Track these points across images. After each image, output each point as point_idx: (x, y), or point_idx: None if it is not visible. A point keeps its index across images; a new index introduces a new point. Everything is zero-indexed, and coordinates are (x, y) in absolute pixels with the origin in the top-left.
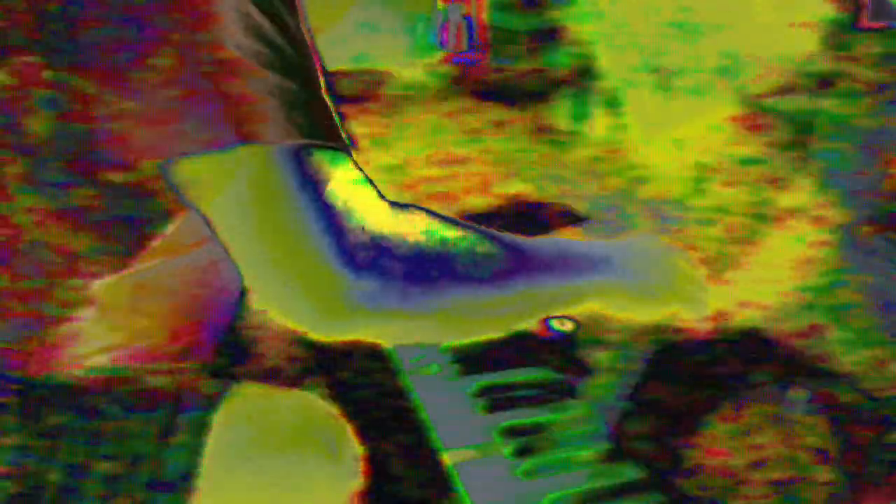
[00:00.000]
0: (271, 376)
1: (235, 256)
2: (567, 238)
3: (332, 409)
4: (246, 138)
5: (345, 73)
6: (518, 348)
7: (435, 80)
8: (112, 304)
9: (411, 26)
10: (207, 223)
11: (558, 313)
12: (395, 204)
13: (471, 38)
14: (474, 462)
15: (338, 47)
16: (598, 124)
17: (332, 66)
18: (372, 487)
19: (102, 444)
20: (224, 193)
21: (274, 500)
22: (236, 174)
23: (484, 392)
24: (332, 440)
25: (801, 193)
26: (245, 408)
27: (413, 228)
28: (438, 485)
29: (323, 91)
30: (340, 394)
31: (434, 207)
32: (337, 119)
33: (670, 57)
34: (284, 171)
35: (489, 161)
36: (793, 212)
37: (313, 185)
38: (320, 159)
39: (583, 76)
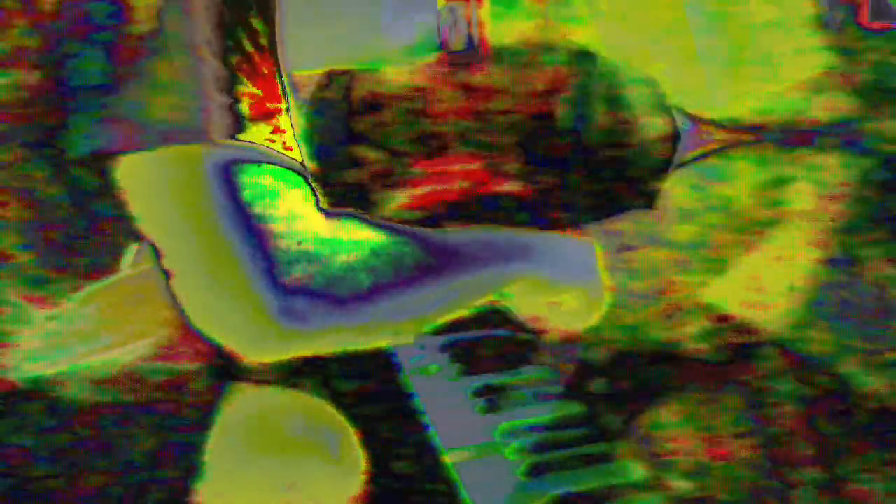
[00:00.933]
0: (271, 377)
1: (166, 267)
2: (496, 229)
3: (332, 410)
4: (196, 135)
5: (344, 74)
6: (518, 348)
7: (434, 79)
8: (113, 302)
9: (411, 27)
10: (139, 229)
11: (484, 301)
12: (329, 213)
13: (471, 38)
14: (474, 462)
15: (337, 48)
16: (598, 123)
17: (331, 67)
18: (372, 487)
19: (101, 443)
20: (159, 199)
21: (274, 501)
22: (174, 176)
23: (484, 392)
24: (333, 440)
25: (802, 195)
26: (245, 409)
27: (345, 238)
28: (438, 485)
29: (282, 101)
30: (340, 394)
31: (431, 206)
32: (293, 130)
33: (668, 61)
34: (222, 183)
35: (488, 160)
36: (793, 213)
37: (249, 201)
38: (260, 168)
39: (583, 75)
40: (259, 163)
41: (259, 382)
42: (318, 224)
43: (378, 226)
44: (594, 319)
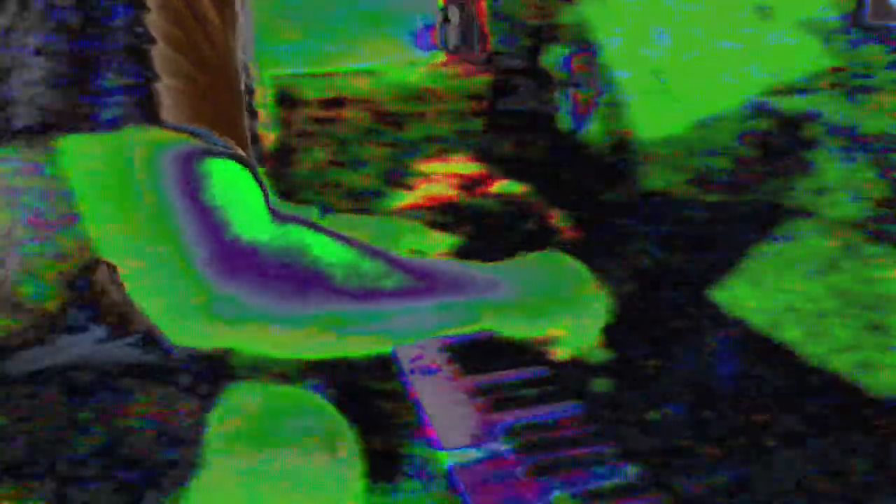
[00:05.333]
0: (270, 374)
1: (101, 240)
2: (455, 261)
3: (332, 408)
4: (146, 118)
5: (344, 74)
6: (518, 348)
7: (434, 79)
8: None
9: (412, 26)
10: (77, 203)
11: (448, 333)
12: (281, 216)
13: (471, 37)
14: (474, 462)
15: (337, 47)
16: (597, 122)
17: (331, 67)
18: (371, 486)
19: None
20: (104, 176)
21: (273, 500)
22: (122, 158)
23: (484, 392)
24: (332, 439)
25: (800, 194)
26: (244, 406)
27: (293, 241)
28: (438, 484)
29: (239, 101)
30: (340, 392)
31: (431, 206)
32: (247, 129)
33: (667, 61)
34: (171, 165)
35: (487, 161)
36: (792, 212)
37: (196, 186)
38: (211, 161)
39: (582, 75)
40: (210, 151)
41: (258, 379)
42: (266, 222)
43: (333, 235)
44: (590, 341)
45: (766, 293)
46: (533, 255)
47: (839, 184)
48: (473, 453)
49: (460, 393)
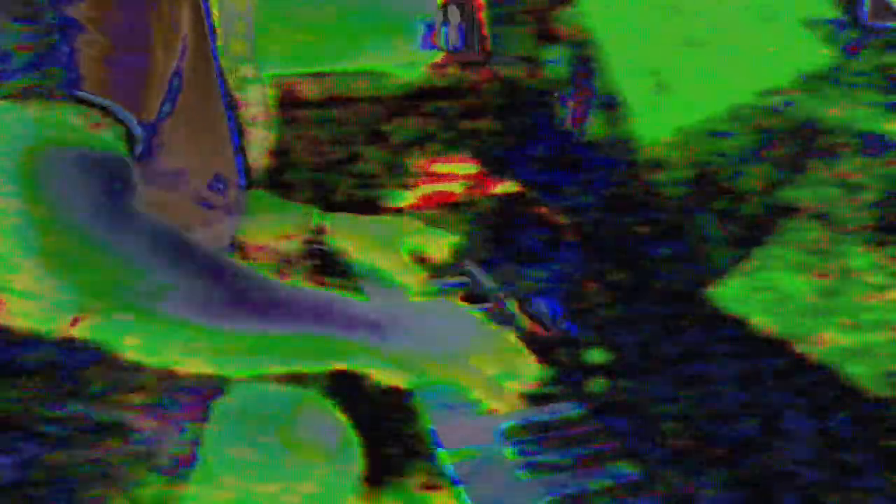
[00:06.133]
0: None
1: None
2: (342, 296)
3: (332, 408)
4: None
5: (344, 74)
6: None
7: (434, 79)
8: None
9: (411, 26)
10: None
11: (315, 368)
12: (137, 216)
13: (470, 38)
14: (474, 462)
15: (337, 47)
16: (597, 123)
17: (331, 67)
18: (370, 486)
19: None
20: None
21: (272, 499)
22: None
23: None
24: (332, 439)
25: (801, 192)
26: (243, 405)
27: (147, 239)
28: (438, 484)
29: (153, 69)
30: (340, 393)
31: (431, 206)
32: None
33: (667, 61)
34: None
35: (487, 161)
36: (792, 212)
37: (119, 193)
38: (51, 149)
39: (581, 75)
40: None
41: (258, 380)
42: (112, 214)
43: (196, 250)
44: (508, 399)
45: (766, 293)
46: (434, 304)
47: (840, 183)
48: (473, 453)
49: (460, 393)
